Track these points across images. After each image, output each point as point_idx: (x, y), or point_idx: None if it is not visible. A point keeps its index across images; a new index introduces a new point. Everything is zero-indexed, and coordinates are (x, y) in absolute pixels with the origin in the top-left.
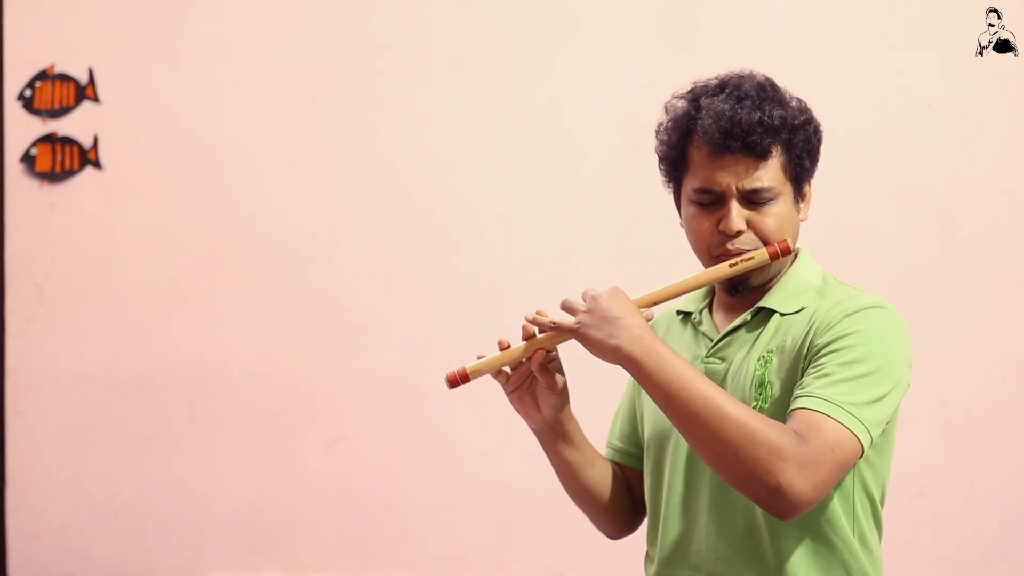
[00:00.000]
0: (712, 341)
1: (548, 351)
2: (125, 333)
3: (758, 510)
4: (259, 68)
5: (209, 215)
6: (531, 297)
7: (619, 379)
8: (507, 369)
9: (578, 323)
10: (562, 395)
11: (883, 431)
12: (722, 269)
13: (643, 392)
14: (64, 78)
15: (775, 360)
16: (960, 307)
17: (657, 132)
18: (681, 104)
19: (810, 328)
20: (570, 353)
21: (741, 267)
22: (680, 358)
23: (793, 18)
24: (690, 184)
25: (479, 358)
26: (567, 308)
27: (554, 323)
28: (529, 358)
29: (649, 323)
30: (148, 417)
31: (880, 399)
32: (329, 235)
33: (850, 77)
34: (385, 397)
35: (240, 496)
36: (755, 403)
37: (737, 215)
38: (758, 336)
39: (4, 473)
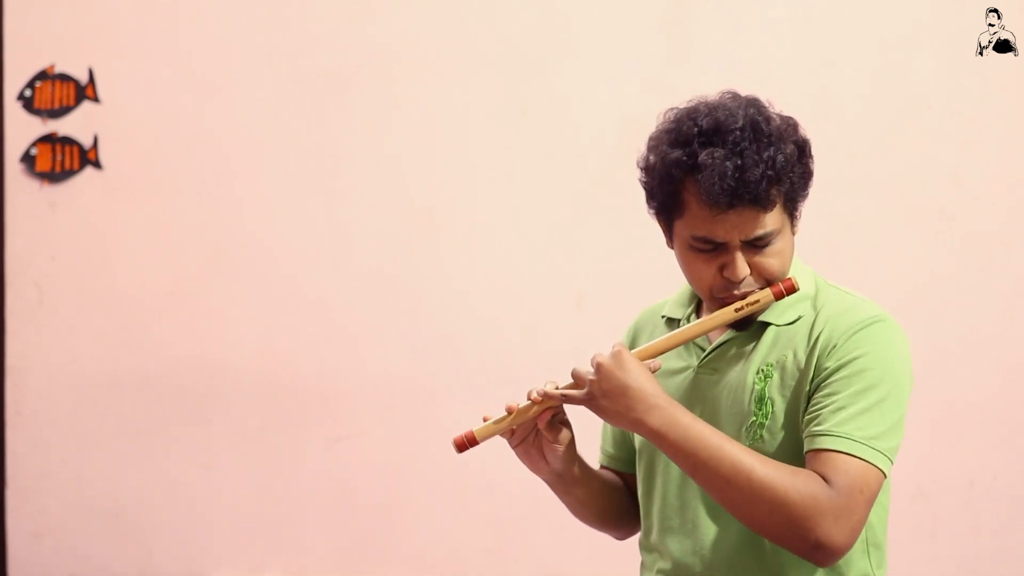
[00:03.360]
0: (703, 351)
1: (555, 411)
2: (125, 333)
3: None
4: (259, 68)
5: (209, 215)
6: (531, 297)
7: None
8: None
9: (589, 395)
10: (569, 448)
11: None
12: (727, 314)
13: None
14: (64, 78)
15: (776, 375)
16: (960, 307)
17: (645, 169)
18: (674, 153)
19: (813, 345)
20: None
21: (747, 311)
22: (700, 422)
23: (793, 19)
24: (686, 230)
25: (484, 420)
26: (576, 377)
27: (564, 396)
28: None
29: (650, 363)
30: (148, 417)
31: (896, 423)
32: (329, 235)
33: (850, 77)
34: (385, 397)
35: (240, 496)
36: (755, 418)
37: (742, 263)
38: (754, 348)
39: (4, 473)
